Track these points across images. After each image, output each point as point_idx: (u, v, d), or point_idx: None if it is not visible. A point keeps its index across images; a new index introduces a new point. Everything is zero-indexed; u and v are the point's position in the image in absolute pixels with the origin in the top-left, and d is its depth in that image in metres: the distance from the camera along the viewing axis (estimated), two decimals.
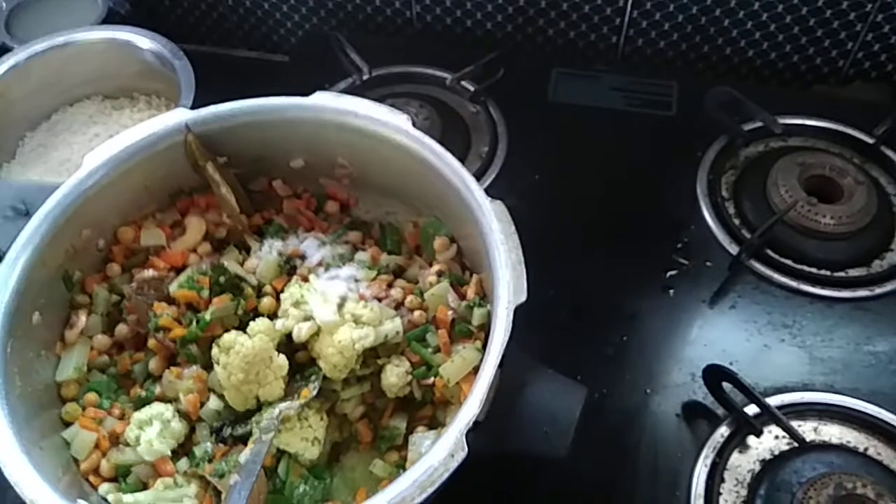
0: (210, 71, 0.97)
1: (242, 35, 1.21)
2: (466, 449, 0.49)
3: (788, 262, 0.86)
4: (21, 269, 0.61)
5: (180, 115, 0.69)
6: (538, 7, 1.07)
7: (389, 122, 0.68)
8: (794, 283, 0.84)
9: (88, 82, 1.05)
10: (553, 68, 1.07)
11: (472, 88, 1.04)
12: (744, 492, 0.70)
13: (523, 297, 0.56)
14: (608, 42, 1.10)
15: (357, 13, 1.15)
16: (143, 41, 1.00)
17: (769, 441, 0.73)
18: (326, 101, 0.70)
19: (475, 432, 0.50)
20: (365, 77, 1.04)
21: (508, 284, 0.57)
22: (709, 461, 0.71)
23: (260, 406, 0.62)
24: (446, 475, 0.48)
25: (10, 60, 0.97)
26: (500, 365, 0.54)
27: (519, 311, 0.56)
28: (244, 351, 0.59)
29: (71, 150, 1.01)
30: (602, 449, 0.72)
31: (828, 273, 0.85)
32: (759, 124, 0.97)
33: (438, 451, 0.49)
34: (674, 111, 1.01)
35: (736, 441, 0.73)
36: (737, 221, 0.90)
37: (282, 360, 0.62)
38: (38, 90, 1.01)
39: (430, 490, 0.47)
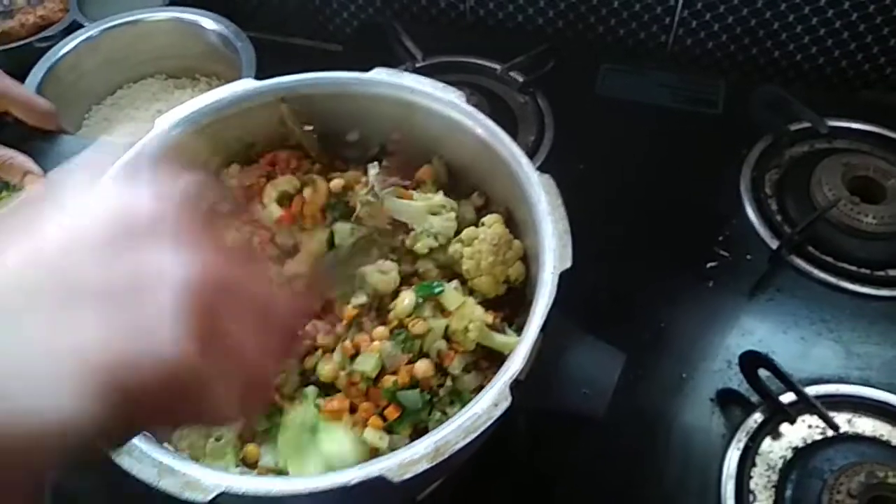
0: (268, 57, 1.00)
1: (300, 23, 1.25)
2: (510, 399, 0.51)
3: (829, 259, 0.86)
4: None
5: (245, 84, 0.72)
6: (590, 4, 1.09)
7: (444, 97, 0.71)
8: (833, 280, 0.84)
9: (154, 60, 1.09)
10: (602, 63, 1.09)
11: (521, 79, 1.06)
12: (775, 476, 0.71)
13: (568, 264, 0.58)
14: (657, 41, 1.11)
15: (411, 5, 1.18)
16: (209, 22, 1.04)
17: (802, 429, 0.73)
18: (384, 77, 0.73)
19: (517, 389, 0.53)
20: (418, 65, 1.07)
21: (554, 252, 0.59)
22: (741, 445, 0.72)
23: (510, 288, 0.68)
24: (490, 422, 0.50)
25: (85, 34, 1.02)
26: (543, 329, 0.56)
27: (559, 292, 0.57)
28: (489, 235, 0.67)
29: (134, 125, 1.05)
30: (637, 423, 0.74)
31: (868, 272, 0.85)
32: (805, 125, 0.97)
33: (484, 401, 0.51)
34: (720, 109, 1.03)
35: (769, 428, 0.73)
36: (779, 217, 0.91)
37: (518, 244, 0.68)
38: (107, 65, 1.06)
39: (474, 435, 0.49)
